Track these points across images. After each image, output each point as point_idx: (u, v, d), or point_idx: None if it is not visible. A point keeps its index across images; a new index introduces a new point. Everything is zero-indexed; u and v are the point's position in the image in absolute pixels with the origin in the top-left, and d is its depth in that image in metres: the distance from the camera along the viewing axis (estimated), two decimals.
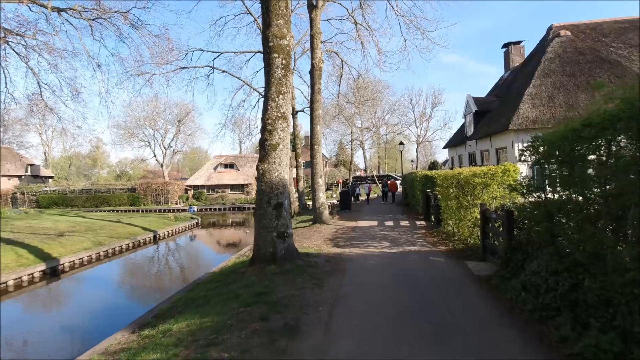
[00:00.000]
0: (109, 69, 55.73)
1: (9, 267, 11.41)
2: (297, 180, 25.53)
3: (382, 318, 4.61)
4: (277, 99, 7.43)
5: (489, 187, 7.87)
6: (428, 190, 13.83)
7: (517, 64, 20.86)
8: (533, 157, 5.22)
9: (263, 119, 7.51)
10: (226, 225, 29.92)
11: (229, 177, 43.12)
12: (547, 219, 4.83)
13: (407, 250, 8.71)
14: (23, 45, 13.26)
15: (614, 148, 3.71)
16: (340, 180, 38.42)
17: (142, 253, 17.25)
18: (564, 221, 4.44)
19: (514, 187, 5.72)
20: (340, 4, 18.51)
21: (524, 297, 4.61)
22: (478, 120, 19.45)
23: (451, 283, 6.08)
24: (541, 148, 5.00)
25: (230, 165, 44.28)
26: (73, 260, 13.62)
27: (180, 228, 23.35)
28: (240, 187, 42.29)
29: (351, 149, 43.73)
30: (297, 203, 24.68)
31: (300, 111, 26.87)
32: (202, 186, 42.70)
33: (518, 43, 21.43)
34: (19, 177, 44.42)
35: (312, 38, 14.67)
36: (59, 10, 13.16)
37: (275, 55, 7.44)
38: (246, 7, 22.09)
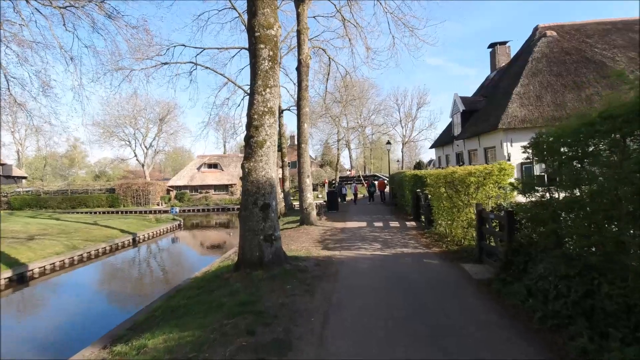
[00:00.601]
0: (82, 62, 53.49)
1: None
2: (283, 180, 25.03)
3: (379, 328, 4.23)
4: (263, 93, 6.96)
5: (485, 186, 7.61)
6: (418, 190, 13.58)
7: (503, 64, 20.97)
8: (536, 154, 4.95)
9: (249, 114, 7.02)
10: (210, 226, 29.12)
11: (212, 178, 42.14)
12: (554, 220, 4.55)
13: (400, 252, 8.37)
14: None
15: (629, 143, 3.44)
16: (327, 180, 38.05)
17: (120, 257, 16.39)
18: (573, 221, 4.14)
19: (515, 186, 5.44)
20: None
21: (531, 304, 4.30)
22: (465, 119, 19.42)
23: (448, 287, 5.76)
24: (546, 145, 4.72)
25: (214, 165, 43.29)
26: (43, 266, 12.73)
27: (162, 230, 22.47)
28: (224, 188, 41.39)
29: (337, 149, 43.45)
30: (284, 204, 24.18)
31: (286, 110, 26.34)
32: (185, 187, 41.58)
33: (504, 43, 21.57)
34: None
35: (299, 33, 14.22)
36: None
37: (262, 46, 6.97)
38: (230, 1, 21.45)
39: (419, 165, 47.24)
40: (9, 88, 13.66)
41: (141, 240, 19.59)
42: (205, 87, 61.84)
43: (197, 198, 40.33)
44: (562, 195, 4.62)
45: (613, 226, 3.52)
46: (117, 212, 33.15)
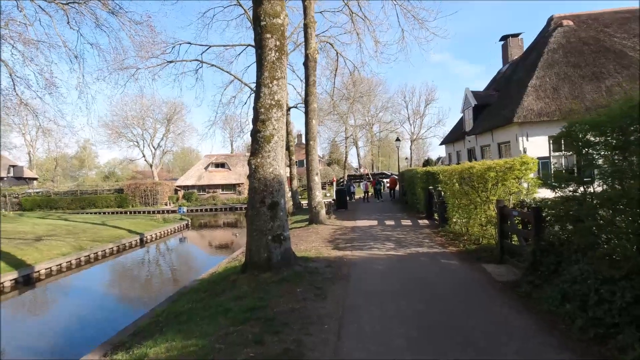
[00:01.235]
0: (87, 61, 53.53)
1: None
2: (290, 179, 24.71)
3: (400, 337, 3.85)
4: (270, 85, 6.60)
5: (506, 181, 7.15)
6: (430, 187, 13.12)
7: (516, 56, 20.29)
8: (568, 145, 4.51)
9: (255, 108, 6.67)
10: (217, 226, 28.96)
11: (220, 177, 42.03)
12: (591, 216, 4.12)
13: (415, 252, 7.96)
14: None
15: None
16: (335, 179, 37.65)
17: (127, 258, 16.22)
18: (619, 218, 3.71)
19: (544, 180, 5.00)
20: None
21: (569, 310, 3.87)
22: (477, 115, 18.83)
23: (471, 290, 5.34)
24: (581, 134, 4.29)
25: (221, 165, 43.18)
26: (50, 267, 12.58)
27: (169, 230, 22.32)
28: (232, 187, 41.25)
29: (345, 147, 42.98)
30: (291, 202, 23.88)
31: (293, 107, 25.96)
32: (193, 186, 41.54)
33: (517, 35, 20.88)
34: (0, 179, 42.68)
35: (306, 27, 13.84)
36: None
37: (268, 35, 6.61)
38: None
39: (427, 163, 46.50)
40: (14, 88, 13.57)
41: (148, 241, 19.44)
42: (212, 86, 61.83)
43: (204, 198, 40.27)
44: (597, 190, 4.20)
45: None
46: (126, 212, 33.20)
